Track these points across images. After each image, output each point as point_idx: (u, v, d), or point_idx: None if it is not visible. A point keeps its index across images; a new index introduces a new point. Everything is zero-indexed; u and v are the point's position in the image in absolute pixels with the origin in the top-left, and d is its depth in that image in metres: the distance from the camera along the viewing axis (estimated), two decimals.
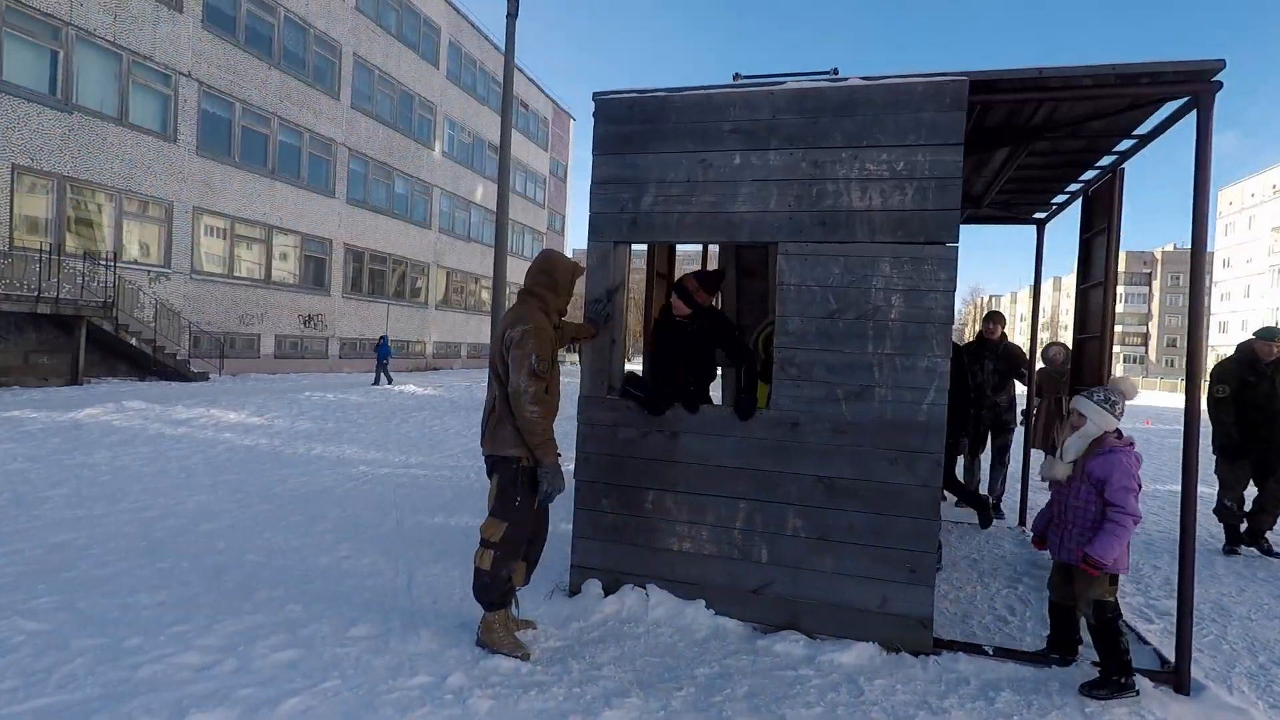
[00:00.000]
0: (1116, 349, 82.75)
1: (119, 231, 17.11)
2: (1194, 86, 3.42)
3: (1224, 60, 3.33)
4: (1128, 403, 3.48)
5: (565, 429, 4.97)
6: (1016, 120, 4.15)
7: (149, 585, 3.86)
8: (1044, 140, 4.33)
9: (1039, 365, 7.67)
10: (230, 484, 6.61)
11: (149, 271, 17.88)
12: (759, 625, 3.79)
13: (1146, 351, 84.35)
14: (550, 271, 3.58)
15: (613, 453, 4.08)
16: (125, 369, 16.85)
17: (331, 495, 6.42)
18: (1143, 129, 4.16)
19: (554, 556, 4.25)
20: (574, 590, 4.11)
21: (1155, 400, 32.53)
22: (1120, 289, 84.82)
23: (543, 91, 39.69)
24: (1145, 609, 4.55)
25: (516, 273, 32.71)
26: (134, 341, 16.21)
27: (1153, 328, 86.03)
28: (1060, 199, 5.72)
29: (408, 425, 11.42)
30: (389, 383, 19.43)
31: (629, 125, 4.05)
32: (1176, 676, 3.37)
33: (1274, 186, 59.24)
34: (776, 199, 3.82)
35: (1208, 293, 76.31)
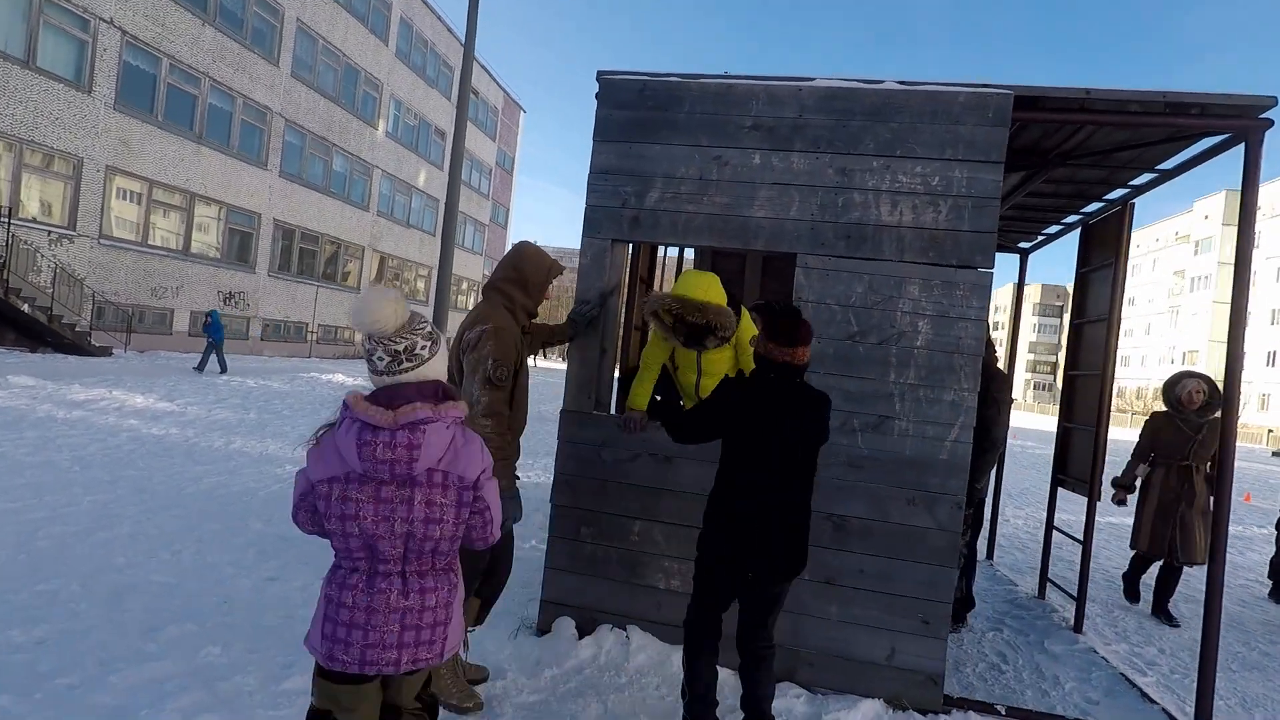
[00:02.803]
0: (1027, 375, 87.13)
1: (17, 185, 15.49)
2: (1242, 122, 3.25)
3: (1276, 97, 3.17)
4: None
5: (541, 436, 4.45)
6: (1048, 142, 3.93)
7: (25, 616, 3.16)
8: (1065, 167, 4.13)
9: (1156, 408, 5.75)
10: (134, 481, 5.82)
11: (49, 232, 16.27)
12: None
13: (1055, 380, 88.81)
14: (520, 266, 3.11)
15: (596, 476, 3.63)
16: (14, 338, 15.24)
17: (255, 500, 5.72)
18: (1168, 164, 4.00)
19: (516, 587, 3.76)
20: (543, 629, 3.64)
21: None
22: (1034, 319, 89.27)
23: (495, 80, 38.62)
24: (1132, 657, 4.40)
25: (459, 264, 31.61)
26: (26, 308, 14.67)
27: (1061, 357, 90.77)
28: (1052, 229, 5.59)
29: None
30: (222, 371, 15.55)
31: (637, 111, 3.62)
32: None
33: (1176, 233, 63.29)
34: (798, 206, 3.46)
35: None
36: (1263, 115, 3.22)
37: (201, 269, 20.63)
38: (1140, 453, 5.29)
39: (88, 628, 3.10)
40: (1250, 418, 49.05)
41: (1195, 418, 5.03)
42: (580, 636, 3.54)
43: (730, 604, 2.77)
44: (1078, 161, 4.07)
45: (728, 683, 3.33)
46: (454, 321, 32.74)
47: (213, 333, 15.68)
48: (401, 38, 29.22)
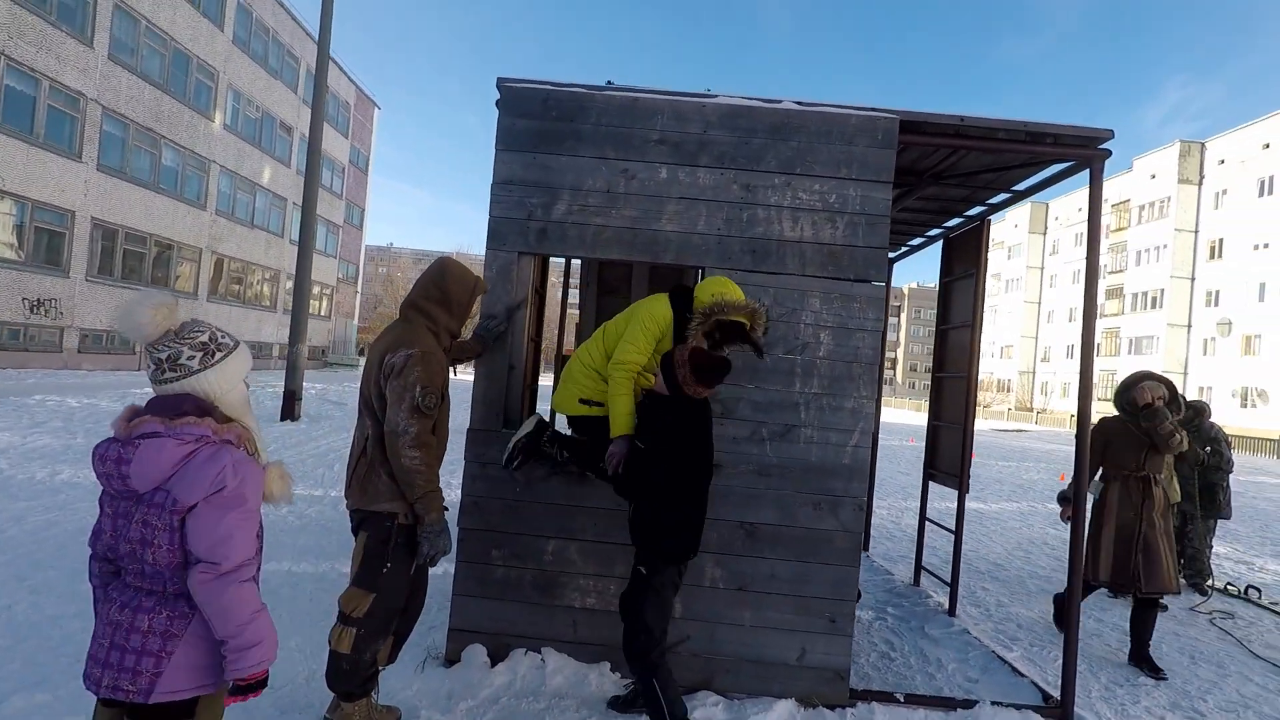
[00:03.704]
0: None
1: None
2: (1088, 151, 3.65)
3: (1113, 130, 3.59)
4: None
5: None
6: (923, 163, 4.24)
7: None
8: (936, 185, 4.47)
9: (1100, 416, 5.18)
10: None
11: None
12: None
13: (895, 375, 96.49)
14: (444, 285, 2.96)
15: (507, 496, 3.51)
16: None
17: None
18: (1021, 185, 4.43)
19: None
20: (452, 659, 3.47)
21: (904, 418, 37.09)
22: None
23: (345, 73, 36.50)
24: (998, 635, 4.84)
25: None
26: None
27: (900, 354, 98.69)
28: (916, 241, 6.04)
29: None
30: None
31: (542, 121, 3.54)
32: (1062, 711, 3.54)
33: (993, 240, 70.66)
34: (705, 220, 3.52)
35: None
36: (1103, 146, 3.65)
37: (0, 273, 18.00)
38: (1091, 464, 4.51)
39: None
40: (1054, 404, 55.63)
41: (1152, 425, 4.44)
42: (493, 664, 3.41)
43: None
44: (947, 181, 4.42)
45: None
46: (312, 328, 30.61)
47: None
48: (239, 24, 26.94)
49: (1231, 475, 6.69)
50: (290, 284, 30.26)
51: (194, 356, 1.78)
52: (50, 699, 2.79)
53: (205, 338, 1.81)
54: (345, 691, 2.74)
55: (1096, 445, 4.61)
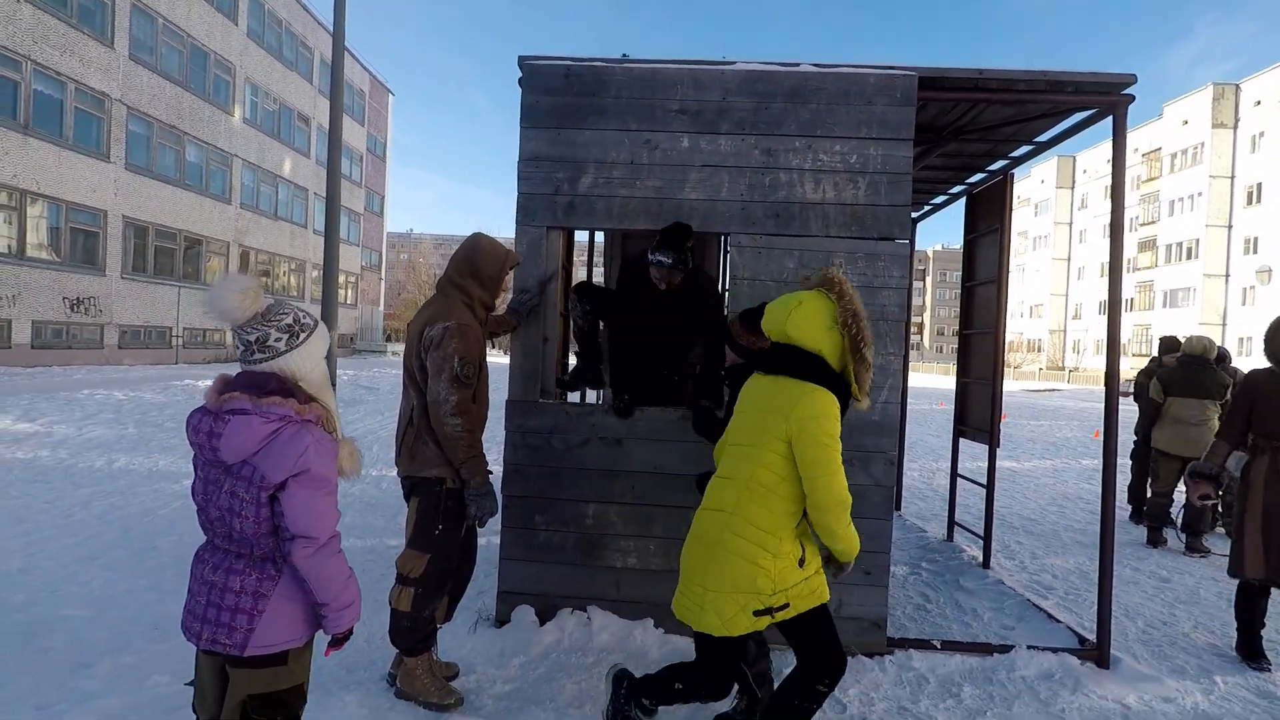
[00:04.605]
0: None
1: None
2: (1110, 98, 3.63)
3: (1135, 75, 3.56)
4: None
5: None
6: (943, 119, 4.24)
7: None
8: (957, 141, 4.47)
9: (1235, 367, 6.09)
10: (10, 512, 5.26)
11: None
12: None
13: (922, 339, 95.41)
14: (475, 260, 3.07)
15: (547, 463, 3.64)
16: None
17: (157, 519, 5.30)
18: (1043, 136, 4.41)
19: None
20: (503, 620, 3.64)
21: (932, 382, 36.81)
22: None
23: (359, 61, 36.64)
24: (1033, 585, 4.91)
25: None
26: None
27: (926, 318, 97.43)
28: (939, 200, 6.02)
29: None
30: None
31: (564, 97, 3.61)
32: (1099, 652, 3.61)
33: (1019, 197, 69.17)
34: (728, 187, 3.58)
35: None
36: (1125, 91, 3.62)
37: (41, 274, 18.53)
38: (1232, 431, 3.79)
39: (8, 675, 2.82)
40: (1087, 362, 54.66)
41: None
42: (541, 623, 3.57)
43: None
44: (967, 136, 4.42)
45: (688, 650, 3.47)
46: (340, 316, 31.10)
47: None
48: (252, 17, 27.13)
49: None
50: (315, 274, 30.76)
51: (280, 338, 1.86)
52: (136, 661, 3.01)
53: (290, 319, 1.90)
54: (408, 648, 2.92)
55: (1241, 406, 3.73)
